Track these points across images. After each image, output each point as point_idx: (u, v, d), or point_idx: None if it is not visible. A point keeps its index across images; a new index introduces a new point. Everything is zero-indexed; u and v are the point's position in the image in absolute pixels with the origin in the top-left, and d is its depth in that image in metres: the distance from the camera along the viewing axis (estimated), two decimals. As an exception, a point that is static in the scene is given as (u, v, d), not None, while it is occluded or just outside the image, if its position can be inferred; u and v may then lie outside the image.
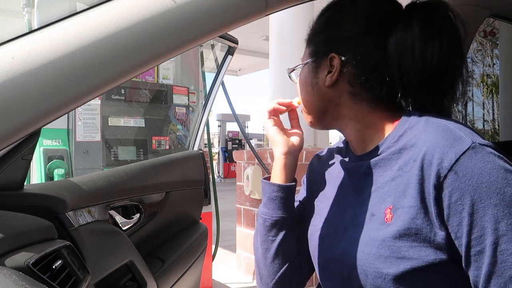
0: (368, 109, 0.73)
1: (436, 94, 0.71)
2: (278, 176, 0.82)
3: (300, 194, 0.94)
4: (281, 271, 0.82)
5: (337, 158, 0.84)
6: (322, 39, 0.75)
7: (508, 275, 0.57)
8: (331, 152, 0.89)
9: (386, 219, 0.64)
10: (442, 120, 0.65)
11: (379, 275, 0.63)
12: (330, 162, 0.87)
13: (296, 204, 0.89)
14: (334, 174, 0.83)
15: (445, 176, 0.59)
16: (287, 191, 0.81)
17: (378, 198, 0.67)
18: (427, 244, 0.61)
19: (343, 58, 0.72)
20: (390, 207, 0.65)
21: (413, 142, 0.65)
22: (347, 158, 0.80)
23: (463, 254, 0.60)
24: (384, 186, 0.67)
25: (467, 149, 0.59)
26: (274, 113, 0.84)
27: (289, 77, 0.86)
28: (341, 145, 0.87)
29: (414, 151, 0.64)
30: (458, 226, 0.59)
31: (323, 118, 0.79)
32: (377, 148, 0.72)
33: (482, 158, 0.58)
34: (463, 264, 0.61)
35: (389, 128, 0.72)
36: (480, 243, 0.58)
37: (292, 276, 0.84)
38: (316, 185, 0.88)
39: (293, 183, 0.83)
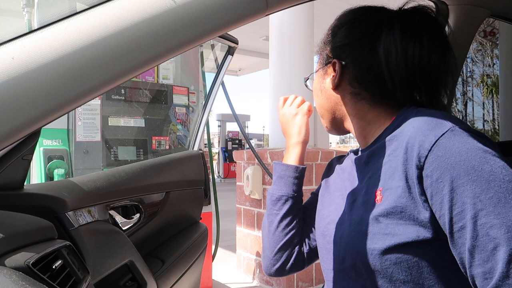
0: (368, 107, 0.81)
1: (428, 88, 0.77)
2: (291, 160, 0.95)
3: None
4: (281, 242, 0.92)
5: (351, 155, 0.91)
6: (327, 49, 0.86)
7: (490, 248, 0.58)
8: (349, 153, 0.97)
9: (376, 200, 0.70)
10: (432, 110, 0.70)
11: (367, 251, 0.68)
12: (345, 160, 0.94)
13: (309, 196, 1.01)
14: (346, 169, 0.89)
15: (426, 156, 0.63)
16: (295, 171, 0.94)
17: (372, 183, 0.73)
18: (412, 222, 0.65)
19: (343, 63, 0.81)
20: (380, 189, 0.70)
21: (402, 130, 0.71)
22: (358, 153, 0.87)
23: (447, 233, 0.62)
24: (377, 171, 0.73)
25: (446, 131, 0.63)
26: (310, 111, 0.99)
27: (306, 86, 0.98)
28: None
29: (402, 137, 0.70)
30: (440, 204, 0.62)
31: (334, 120, 0.88)
32: (376, 140, 0.79)
33: (460, 139, 0.62)
34: (450, 244, 0.63)
35: (388, 123, 0.79)
36: (462, 219, 0.60)
37: (291, 252, 0.93)
38: (330, 180, 0.95)
39: (303, 166, 0.95)
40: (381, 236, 0.67)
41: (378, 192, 0.70)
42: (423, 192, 0.64)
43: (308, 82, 0.97)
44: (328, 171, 0.99)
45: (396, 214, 0.66)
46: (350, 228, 0.74)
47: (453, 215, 0.61)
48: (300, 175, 0.94)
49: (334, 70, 0.83)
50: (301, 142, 0.95)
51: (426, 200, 0.64)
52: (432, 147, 0.63)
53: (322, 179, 1.00)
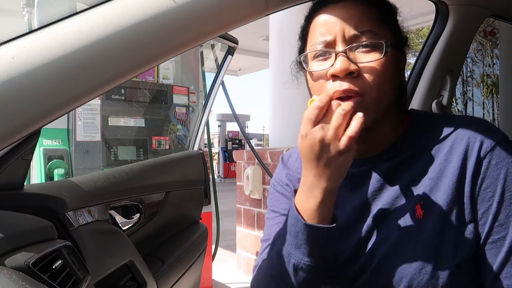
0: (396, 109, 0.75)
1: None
2: (327, 217, 0.64)
3: (280, 203, 0.85)
4: None
5: None
6: (400, 30, 0.76)
7: None
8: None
9: (417, 215, 0.65)
10: (462, 115, 0.71)
11: (416, 275, 0.63)
12: None
13: (278, 219, 0.81)
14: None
15: (480, 164, 0.63)
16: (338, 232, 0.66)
17: (403, 197, 0.68)
18: (461, 238, 0.63)
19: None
20: (420, 204, 0.65)
21: (441, 139, 0.68)
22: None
23: (482, 240, 0.63)
24: (410, 184, 0.68)
25: (501, 138, 0.64)
26: None
27: (301, 65, 0.73)
28: None
29: (443, 146, 0.67)
30: (484, 213, 0.62)
31: (377, 118, 0.69)
32: (391, 148, 0.72)
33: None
34: (483, 250, 0.63)
35: (400, 129, 0.73)
36: (503, 231, 0.62)
37: None
38: None
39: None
40: (433, 257, 0.62)
41: (417, 207, 0.65)
42: (473, 203, 0.63)
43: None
44: (291, 182, 0.83)
45: (448, 229, 0.63)
46: (389, 249, 0.66)
47: (495, 225, 0.62)
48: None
49: (402, 61, 0.72)
50: (341, 179, 0.63)
51: (474, 211, 0.63)
52: (487, 154, 0.63)
53: (294, 184, 0.83)
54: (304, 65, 0.71)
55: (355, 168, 0.74)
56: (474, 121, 0.68)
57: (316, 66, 0.69)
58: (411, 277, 0.63)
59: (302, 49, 0.75)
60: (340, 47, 0.66)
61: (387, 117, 0.71)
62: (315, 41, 0.69)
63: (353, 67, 0.64)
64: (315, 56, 0.69)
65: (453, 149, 0.66)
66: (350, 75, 0.64)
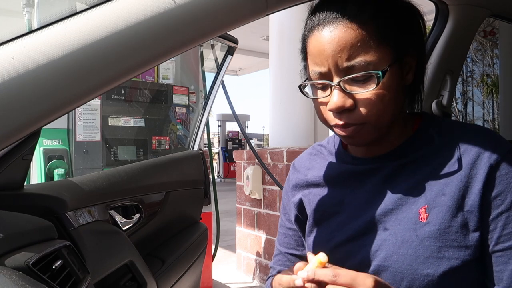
0: (402, 110, 0.75)
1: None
2: None
3: (284, 215, 0.89)
4: None
5: (328, 160, 0.81)
6: (403, 37, 0.70)
7: None
8: (312, 157, 0.85)
9: (421, 218, 0.66)
10: (473, 124, 0.72)
11: (417, 276, 0.64)
12: (326, 168, 0.81)
13: (290, 227, 0.87)
14: (334, 179, 0.79)
15: (492, 173, 0.64)
16: None
17: (408, 198, 0.68)
18: (464, 243, 0.64)
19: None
20: (424, 207, 0.66)
21: (451, 145, 0.69)
22: (355, 161, 0.77)
23: (491, 247, 0.64)
24: (416, 186, 0.69)
25: (510, 149, 0.65)
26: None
27: (304, 94, 0.72)
28: (322, 147, 0.85)
29: (452, 153, 0.68)
30: (494, 220, 0.63)
31: (383, 130, 0.70)
32: (399, 149, 0.73)
33: None
34: (493, 255, 0.64)
35: (409, 130, 0.74)
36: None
37: None
38: (310, 196, 0.82)
39: None
40: (434, 260, 0.63)
41: (422, 210, 0.66)
42: (481, 211, 0.64)
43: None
44: (297, 188, 0.85)
45: (450, 235, 0.64)
46: (384, 249, 0.67)
47: (504, 232, 0.63)
48: None
49: (410, 64, 0.70)
50: None
51: (480, 219, 0.64)
52: (497, 164, 0.64)
53: (294, 194, 0.85)
54: (306, 90, 0.71)
55: (360, 166, 0.76)
56: (484, 132, 0.69)
57: (317, 93, 0.70)
58: (412, 277, 0.64)
59: (304, 58, 0.74)
60: (335, 79, 0.65)
61: (393, 124, 0.72)
62: (312, 69, 0.68)
63: (348, 103, 0.64)
64: (314, 85, 0.70)
65: (462, 158, 0.67)
66: (347, 110, 0.65)
